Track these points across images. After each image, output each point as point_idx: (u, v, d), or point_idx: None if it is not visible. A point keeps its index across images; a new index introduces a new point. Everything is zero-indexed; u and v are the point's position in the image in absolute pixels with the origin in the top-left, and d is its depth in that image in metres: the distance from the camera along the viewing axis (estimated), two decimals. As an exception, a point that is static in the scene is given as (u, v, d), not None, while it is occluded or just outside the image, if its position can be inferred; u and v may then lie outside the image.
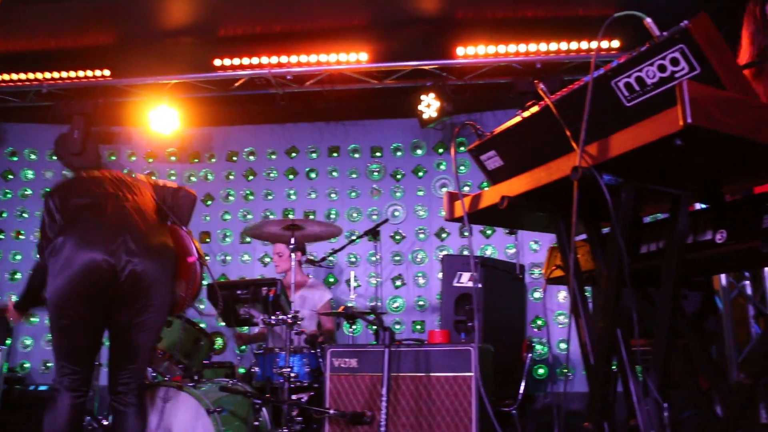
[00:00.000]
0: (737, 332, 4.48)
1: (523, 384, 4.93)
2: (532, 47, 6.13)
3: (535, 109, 1.95)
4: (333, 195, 7.07)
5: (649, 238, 2.07)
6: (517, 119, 2.03)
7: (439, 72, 6.42)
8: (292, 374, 4.11)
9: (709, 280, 4.09)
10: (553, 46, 6.07)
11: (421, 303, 6.72)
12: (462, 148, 6.49)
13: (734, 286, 4.56)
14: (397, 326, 6.66)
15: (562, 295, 6.32)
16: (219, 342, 6.59)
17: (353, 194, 7.05)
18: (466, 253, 6.57)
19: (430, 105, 6.35)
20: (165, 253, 3.32)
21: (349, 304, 4.92)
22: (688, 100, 1.38)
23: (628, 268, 2.01)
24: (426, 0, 5.97)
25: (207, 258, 7.01)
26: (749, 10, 2.66)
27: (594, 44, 5.98)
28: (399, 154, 7.09)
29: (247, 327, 5.32)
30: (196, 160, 7.25)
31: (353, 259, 6.84)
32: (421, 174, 7.01)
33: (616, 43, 5.92)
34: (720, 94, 1.45)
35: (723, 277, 4.49)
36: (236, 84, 6.63)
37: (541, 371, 6.20)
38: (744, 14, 2.69)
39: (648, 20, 1.61)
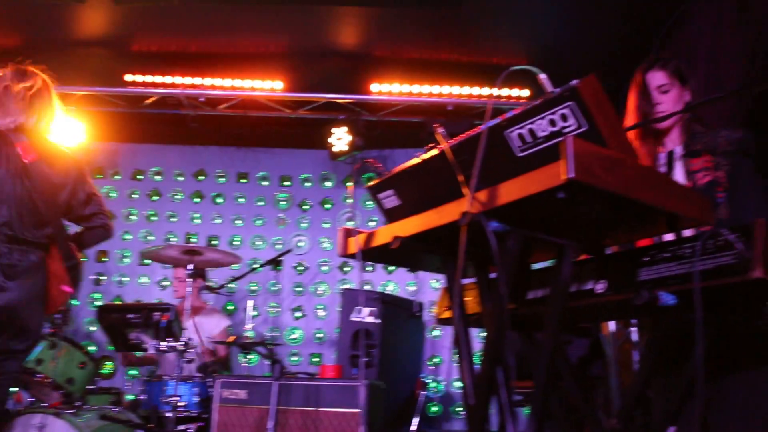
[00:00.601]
0: (623, 377, 4.66)
1: (415, 421, 4.95)
2: (445, 89, 6.28)
3: (433, 152, 1.99)
4: (238, 221, 6.97)
5: (537, 284, 2.14)
6: (416, 160, 2.07)
7: (353, 106, 6.48)
8: (181, 403, 3.99)
9: (598, 326, 4.24)
10: (466, 89, 6.23)
11: (319, 335, 6.67)
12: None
13: (622, 333, 4.75)
14: (294, 358, 6.58)
15: (460, 334, 6.40)
16: (108, 366, 6.34)
17: (259, 222, 6.98)
18: (367, 287, 6.59)
19: (341, 138, 6.39)
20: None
21: (246, 334, 4.83)
22: (572, 156, 1.44)
23: (511, 312, 2.07)
24: (345, 34, 6.04)
25: (103, 278, 6.77)
26: (634, 79, 2.88)
27: (505, 91, 6.19)
28: (308, 184, 7.08)
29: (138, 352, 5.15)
30: (100, 176, 7.01)
31: (254, 288, 6.74)
32: (328, 206, 7.02)
33: (526, 92, 6.15)
34: (602, 152, 1.52)
35: (612, 323, 4.67)
36: (147, 101, 6.47)
37: (434, 409, 6.24)
38: (632, 81, 2.90)
39: (542, 76, 1.68)
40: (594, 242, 1.91)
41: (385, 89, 6.31)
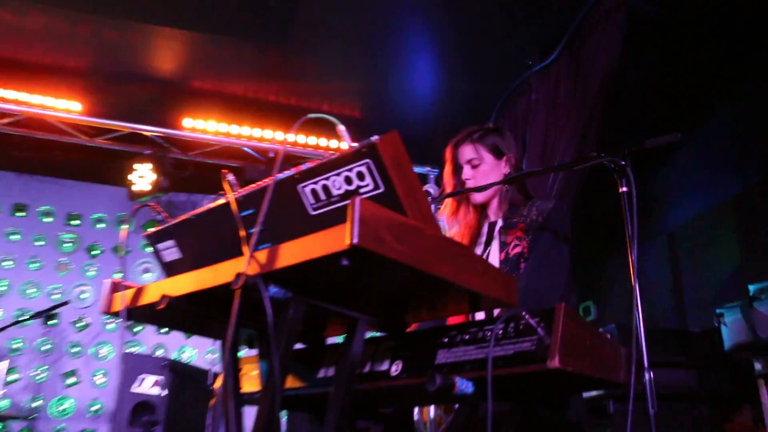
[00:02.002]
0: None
1: None
2: (268, 134, 6.28)
3: (220, 201, 1.94)
4: (7, 262, 6.49)
5: (330, 361, 2.12)
6: (201, 210, 2.00)
7: (161, 141, 6.31)
8: None
9: (409, 411, 4.27)
10: (290, 137, 6.27)
11: (95, 407, 6.28)
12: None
13: (442, 419, 4.82)
14: (59, 435, 6.14)
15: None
16: None
17: (34, 265, 6.54)
18: (159, 352, 6.32)
19: (144, 176, 6.18)
20: None
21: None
22: (358, 220, 1.44)
23: (300, 392, 2.02)
24: (158, 58, 5.91)
25: None
26: (445, 154, 3.14)
27: (334, 143, 6.28)
28: (100, 225, 6.76)
29: None
30: None
31: (16, 345, 6.23)
32: (123, 253, 6.73)
33: (345, 145, 6.27)
34: (396, 218, 1.54)
35: (432, 407, 4.73)
36: None
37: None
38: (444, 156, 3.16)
39: (340, 127, 1.70)
40: (393, 317, 1.92)
41: (200, 126, 6.22)
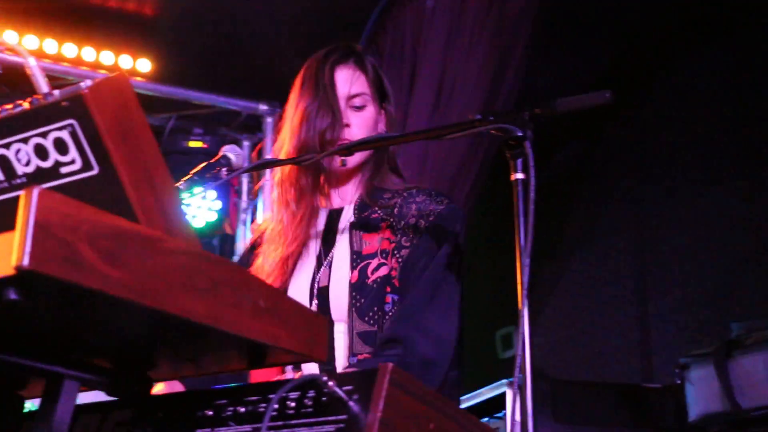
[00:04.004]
0: None
1: None
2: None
3: None
4: None
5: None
6: None
7: None
8: None
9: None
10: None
11: None
12: None
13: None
14: None
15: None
16: None
17: None
18: None
19: None
20: None
21: None
22: (33, 226, 1.16)
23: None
24: None
25: None
26: (311, 74, 2.76)
27: (127, 59, 6.05)
28: None
29: None
30: None
31: None
32: None
33: (146, 64, 6.05)
34: (110, 225, 1.24)
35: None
36: None
37: None
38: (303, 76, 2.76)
39: (33, 65, 1.40)
40: (127, 374, 1.68)
41: None
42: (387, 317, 2.53)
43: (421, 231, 2.60)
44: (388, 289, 2.55)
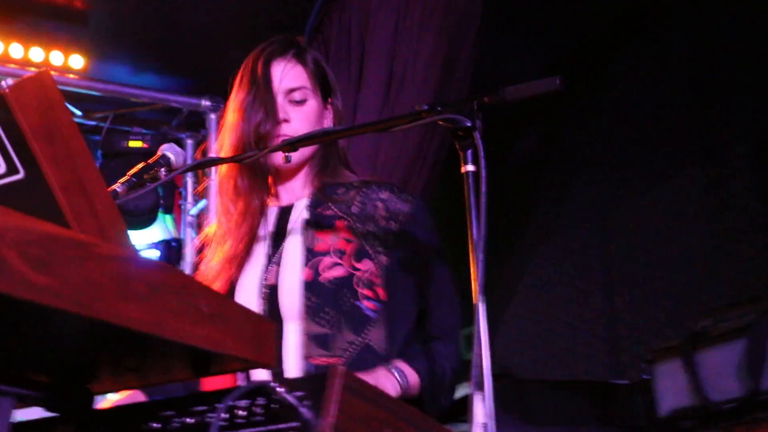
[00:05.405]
0: None
1: None
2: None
3: None
4: None
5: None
6: None
7: None
8: None
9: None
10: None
11: None
12: None
13: None
14: None
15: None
16: None
17: None
18: None
19: None
20: None
21: None
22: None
23: None
24: None
25: None
26: (249, 71, 2.77)
27: (57, 56, 6.01)
28: None
29: None
30: None
31: None
32: None
33: (79, 61, 6.00)
34: (37, 229, 1.23)
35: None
36: None
37: None
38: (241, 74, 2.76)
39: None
40: (65, 388, 1.67)
41: None
42: (370, 326, 2.54)
43: (395, 233, 2.64)
44: (369, 294, 2.59)
